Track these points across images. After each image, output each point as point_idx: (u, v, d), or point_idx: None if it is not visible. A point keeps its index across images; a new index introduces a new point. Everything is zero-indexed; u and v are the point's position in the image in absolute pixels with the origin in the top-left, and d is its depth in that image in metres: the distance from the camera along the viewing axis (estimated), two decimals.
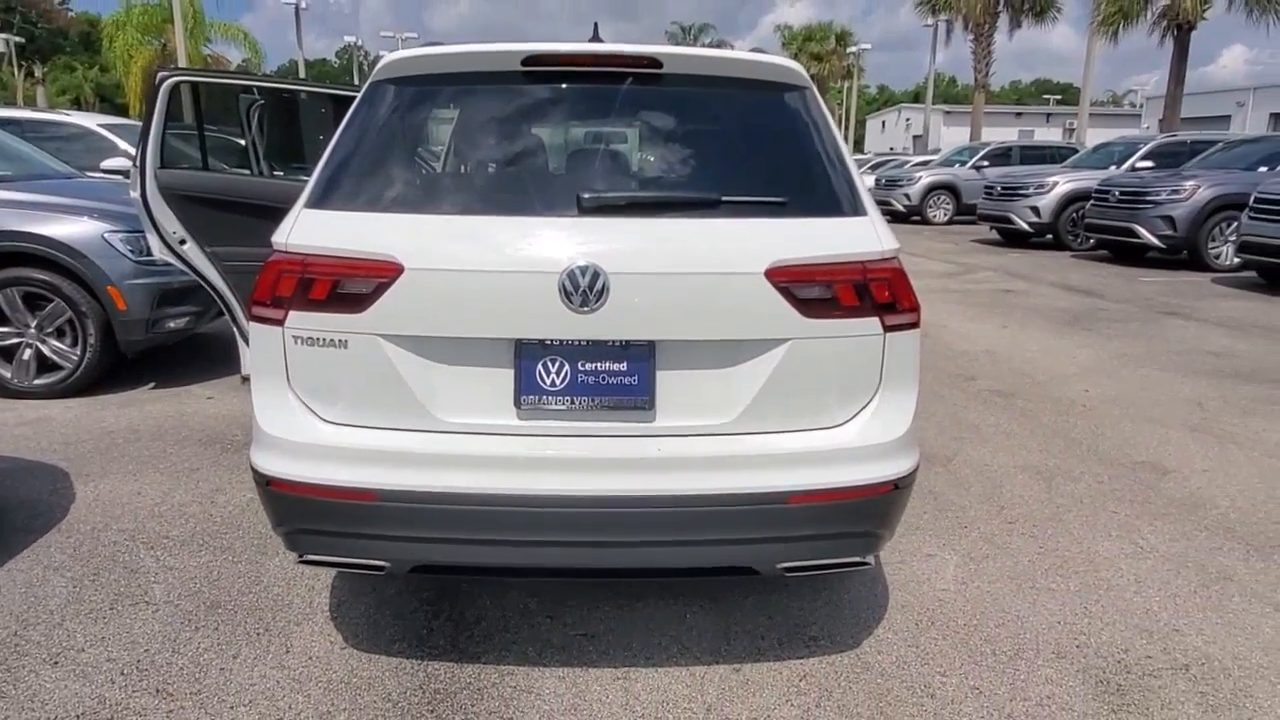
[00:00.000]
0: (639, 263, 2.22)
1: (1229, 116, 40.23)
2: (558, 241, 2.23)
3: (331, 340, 2.25)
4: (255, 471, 2.35)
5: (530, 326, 2.22)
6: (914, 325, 2.38)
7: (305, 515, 2.32)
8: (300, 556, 2.41)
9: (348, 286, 2.22)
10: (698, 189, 2.36)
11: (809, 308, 2.26)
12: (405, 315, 2.21)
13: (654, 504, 2.23)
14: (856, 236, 2.34)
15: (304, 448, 2.28)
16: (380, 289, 2.21)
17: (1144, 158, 14.67)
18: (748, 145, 2.52)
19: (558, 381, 2.26)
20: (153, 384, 5.80)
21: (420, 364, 2.25)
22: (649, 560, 2.37)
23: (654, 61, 2.41)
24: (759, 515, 2.27)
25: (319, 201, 2.35)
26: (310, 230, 2.29)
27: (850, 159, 2.52)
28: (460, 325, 2.22)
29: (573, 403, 2.26)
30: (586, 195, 2.25)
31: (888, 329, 2.32)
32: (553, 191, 2.41)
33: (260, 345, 2.32)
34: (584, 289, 2.18)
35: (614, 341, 2.26)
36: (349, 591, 3.05)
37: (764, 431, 2.32)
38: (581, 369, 2.26)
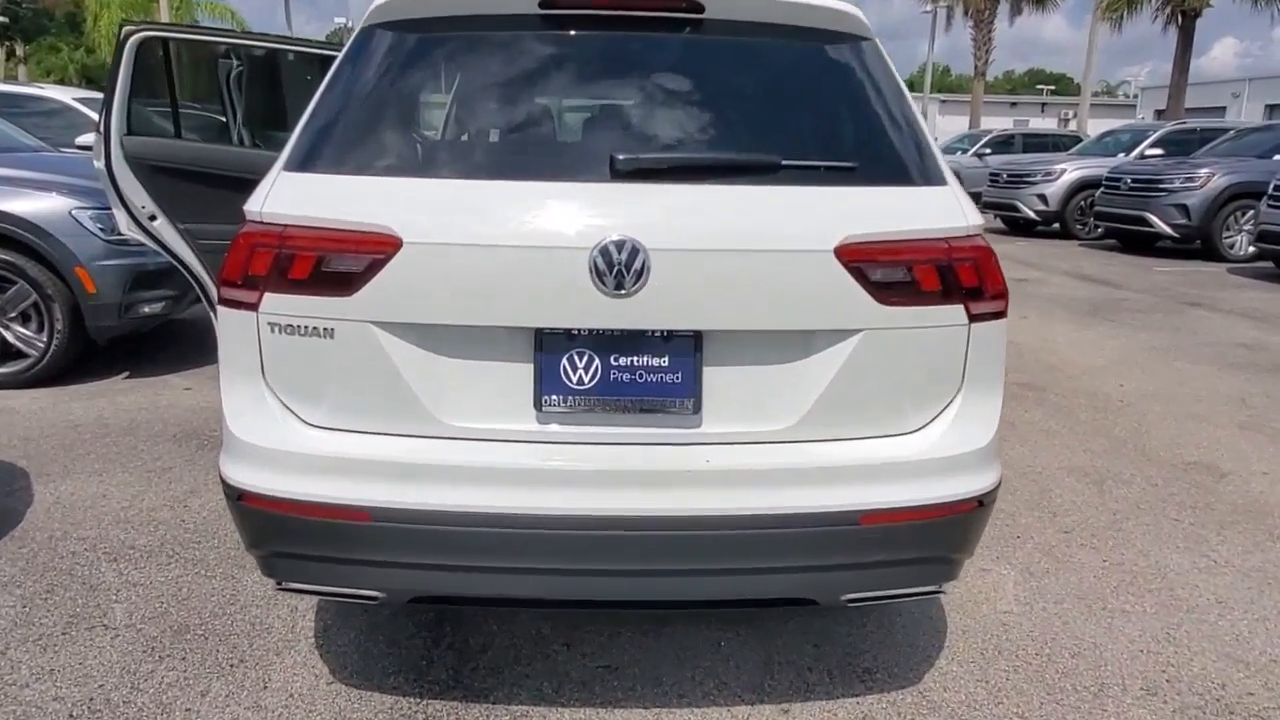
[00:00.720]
0: (685, 238, 1.85)
1: (1224, 108, 40.01)
2: (588, 211, 1.86)
3: (315, 328, 1.87)
4: (225, 484, 1.98)
5: (554, 313, 1.86)
6: (1001, 314, 2.03)
7: (284, 536, 1.95)
8: (279, 583, 2.04)
9: (334, 264, 1.85)
10: (753, 151, 1.99)
11: (885, 293, 1.90)
12: (403, 299, 1.84)
13: (702, 526, 1.87)
14: (938, 209, 1.98)
15: (283, 456, 1.91)
16: (373, 267, 1.83)
17: (1153, 145, 14.34)
18: (805, 102, 2.15)
19: (586, 379, 1.90)
20: (126, 373, 5.40)
21: (421, 357, 1.88)
22: (694, 592, 2.01)
23: (694, 4, 2.04)
24: (826, 539, 1.91)
25: (301, 164, 1.97)
26: (290, 197, 1.91)
27: (921, 120, 2.15)
28: (469, 311, 1.85)
29: (604, 405, 1.90)
30: (622, 157, 1.88)
31: (973, 318, 1.97)
32: (581, 153, 2.03)
33: (230, 334, 1.94)
34: (619, 268, 1.81)
35: (654, 332, 1.89)
36: (337, 614, 2.68)
37: (829, 439, 1.96)
38: (614, 364, 1.90)
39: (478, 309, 1.85)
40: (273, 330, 1.89)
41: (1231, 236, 11.73)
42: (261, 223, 1.90)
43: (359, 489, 1.87)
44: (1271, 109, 37.86)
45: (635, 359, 1.90)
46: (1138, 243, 13.02)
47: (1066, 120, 39.54)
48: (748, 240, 1.86)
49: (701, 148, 2.04)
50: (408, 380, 1.87)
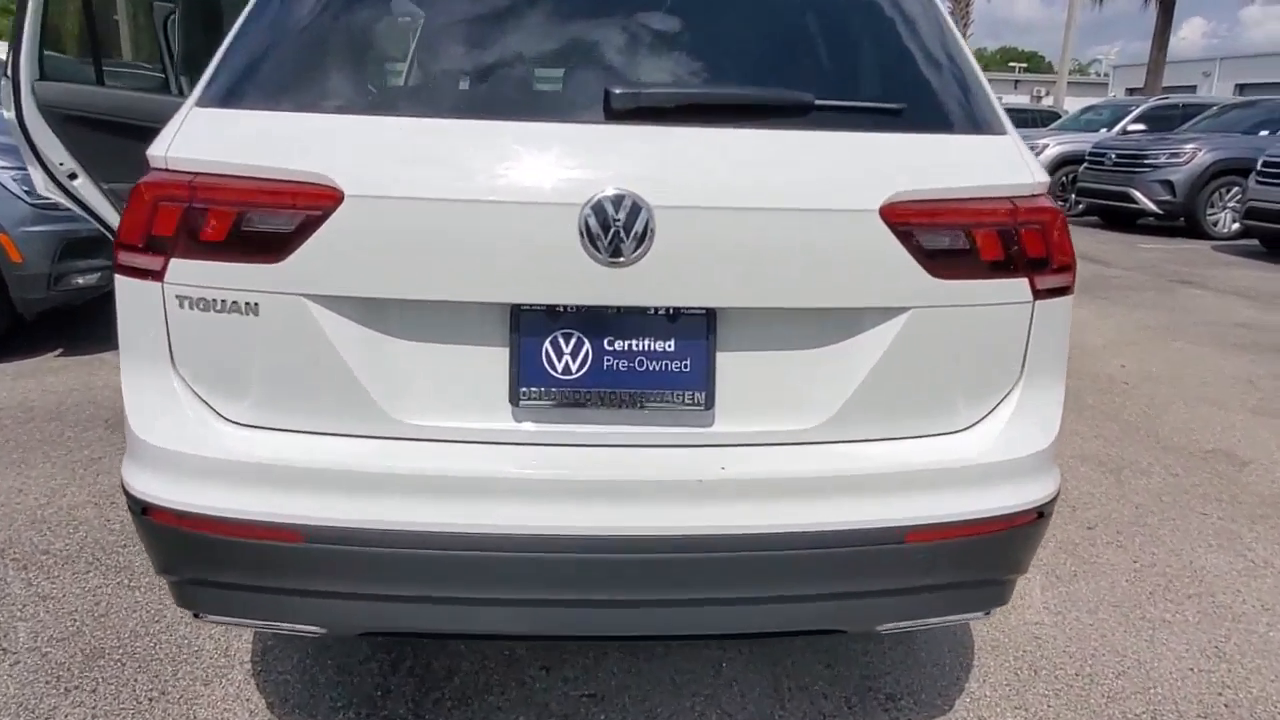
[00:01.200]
0: (696, 192, 1.49)
1: (1195, 86, 40.21)
2: (577, 159, 1.49)
3: (235, 303, 1.50)
4: (127, 494, 1.61)
5: (534, 286, 1.50)
6: (1067, 290, 1.70)
7: (200, 560, 1.58)
8: (197, 615, 1.68)
9: (258, 222, 1.47)
10: (781, 87, 1.63)
11: (938, 263, 1.56)
12: (345, 267, 1.47)
13: (714, 548, 1.53)
14: (999, 163, 1.64)
15: (196, 462, 1.53)
16: (307, 226, 1.46)
17: (1136, 120, 14.14)
18: (840, 31, 1.78)
19: (573, 367, 1.54)
20: (59, 351, 4.95)
21: (369, 340, 1.52)
22: (702, 625, 1.67)
23: None
24: (863, 561, 1.59)
25: (220, 97, 1.58)
26: (203, 138, 1.53)
27: (974, 60, 1.80)
28: (428, 283, 1.49)
29: (595, 399, 1.55)
30: (619, 91, 1.51)
31: (1038, 294, 1.63)
32: (569, 87, 1.65)
33: (130, 310, 1.56)
34: (616, 229, 1.45)
35: (658, 309, 1.54)
36: (278, 634, 2.32)
37: (867, 439, 1.62)
38: (609, 349, 1.54)
39: (439, 280, 1.48)
40: (182, 305, 1.51)
41: (1215, 213, 11.56)
42: (167, 170, 1.51)
43: (291, 503, 1.50)
44: (1242, 88, 38.05)
45: (634, 343, 1.55)
46: (1120, 219, 12.83)
47: (1039, 97, 39.49)
48: (774, 197, 1.51)
49: (717, 82, 1.67)
50: (352, 368, 1.51)
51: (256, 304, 1.49)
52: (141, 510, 1.58)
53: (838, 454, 1.60)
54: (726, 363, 1.57)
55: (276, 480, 1.51)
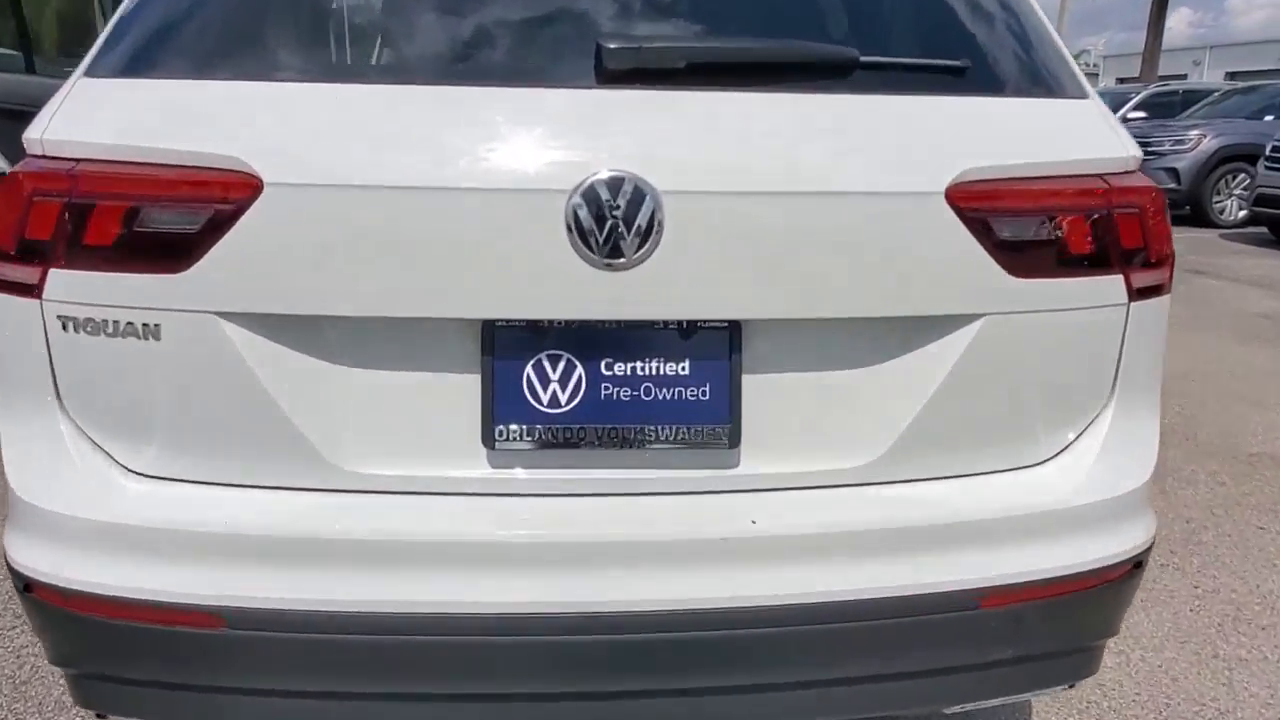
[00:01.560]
0: (714, 173, 1.18)
1: (1185, 75, 40.05)
2: (562, 133, 1.18)
3: (132, 325, 1.17)
4: (9, 567, 1.28)
5: (511, 296, 1.18)
6: (1164, 288, 1.39)
7: (99, 651, 1.26)
8: (100, 717, 1.36)
9: (156, 220, 1.15)
10: (818, 40, 1.32)
11: (1018, 257, 1.24)
12: (267, 276, 1.15)
13: (746, 623, 1.21)
14: (1086, 131, 1.33)
15: (90, 527, 1.21)
16: (218, 225, 1.14)
17: (1136, 108, 13.86)
18: None
19: (563, 397, 1.22)
20: None
21: (302, 368, 1.20)
22: (731, 719, 1.34)
23: None
24: (929, 633, 1.27)
25: (115, 64, 1.26)
26: (88, 115, 1.21)
27: (1039, 9, 1.49)
28: (377, 295, 1.17)
29: (591, 436, 1.23)
30: (614, 47, 1.19)
31: (1134, 294, 1.32)
32: (550, 42, 1.33)
33: (4, 336, 1.24)
34: (614, 223, 1.13)
35: (668, 323, 1.22)
36: None
37: (929, 477, 1.31)
38: (608, 374, 1.23)
39: (389, 291, 1.16)
40: (66, 328, 1.19)
41: (1221, 201, 11.29)
42: (44, 156, 1.19)
43: (210, 578, 1.18)
44: (1232, 76, 37.90)
45: (639, 365, 1.23)
46: None
47: None
48: (812, 178, 1.20)
49: (738, 35, 1.35)
50: (280, 404, 1.19)
51: (157, 325, 1.17)
52: (24, 587, 1.26)
53: (894, 499, 1.29)
54: (754, 388, 1.25)
55: (189, 548, 1.19)
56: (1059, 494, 1.33)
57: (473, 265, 1.16)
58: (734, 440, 1.24)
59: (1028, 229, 1.25)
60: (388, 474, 1.22)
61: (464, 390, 1.22)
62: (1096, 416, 1.38)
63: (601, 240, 1.14)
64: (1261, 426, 4.03)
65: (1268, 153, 9.63)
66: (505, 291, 1.17)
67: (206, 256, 1.14)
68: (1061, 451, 1.37)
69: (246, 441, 1.21)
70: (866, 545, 1.25)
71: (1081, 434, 1.38)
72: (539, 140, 1.17)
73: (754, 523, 1.22)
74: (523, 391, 1.22)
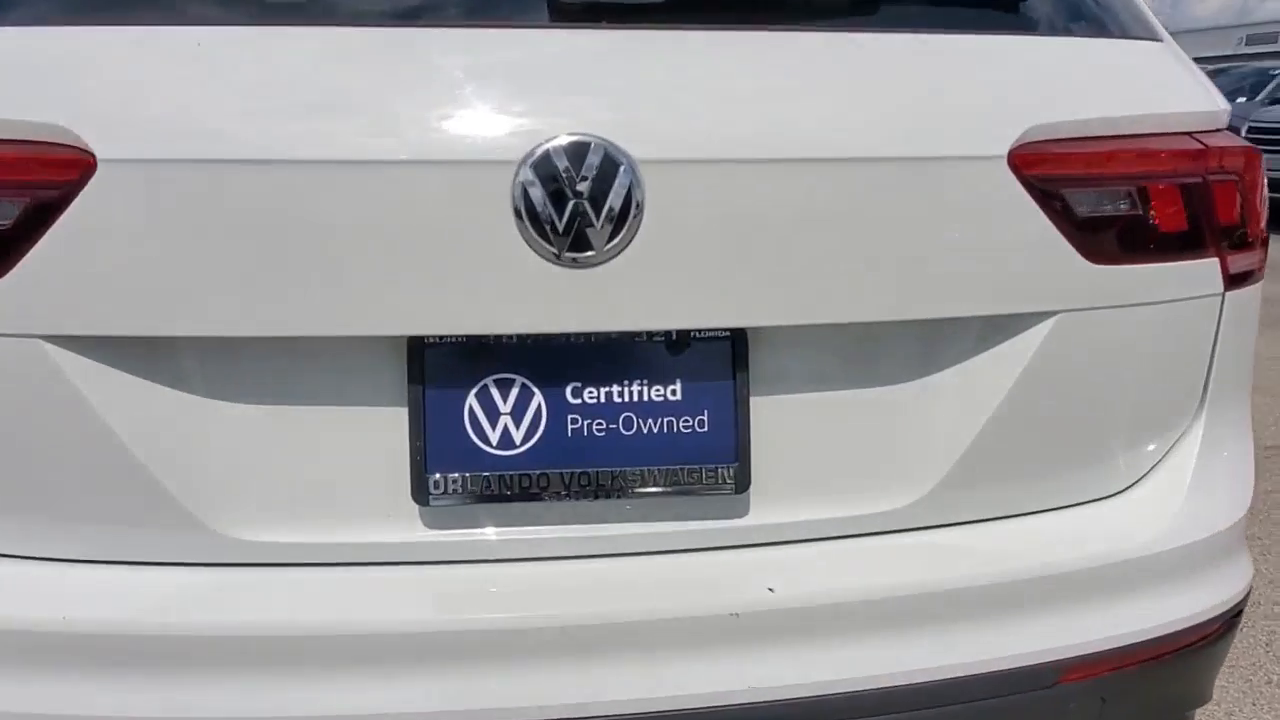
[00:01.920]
0: (710, 137, 0.89)
1: None
2: (507, 87, 0.89)
3: None
4: None
5: (445, 304, 0.89)
6: (1257, 272, 1.13)
7: None
8: None
9: None
10: None
11: (1095, 238, 0.97)
12: (109, 285, 0.85)
13: None
14: (1168, 80, 1.06)
15: None
16: (39, 217, 0.84)
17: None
18: None
19: (516, 435, 0.93)
20: None
21: (165, 406, 0.90)
22: None
23: None
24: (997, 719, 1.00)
25: None
26: None
27: None
28: (262, 308, 0.87)
29: (555, 485, 0.94)
30: None
31: (1229, 281, 1.06)
32: None
33: None
34: (578, 204, 0.85)
35: (653, 334, 0.94)
36: None
37: (986, 518, 1.04)
38: (575, 403, 0.94)
39: (279, 303, 0.87)
40: None
41: None
42: None
43: (44, 691, 0.88)
44: (1195, 61, 38.20)
45: (616, 390, 0.94)
46: None
47: None
48: (836, 141, 0.91)
49: None
50: (135, 452, 0.88)
51: None
52: None
53: (946, 549, 1.01)
54: (766, 414, 0.97)
55: (17, 650, 0.89)
56: (1146, 534, 1.06)
57: (391, 265, 0.87)
58: (742, 483, 0.96)
59: (1110, 202, 0.98)
60: (286, 542, 0.92)
61: (386, 429, 0.93)
62: (1182, 435, 1.12)
63: (561, 227, 0.85)
64: (1273, 418, 3.83)
65: (1243, 134, 9.47)
66: (436, 299, 0.88)
67: (24, 262, 0.84)
68: (1140, 481, 1.11)
69: (94, 503, 0.90)
70: (915, 612, 0.97)
71: (1164, 457, 1.11)
72: (475, 97, 0.87)
73: (771, 590, 0.94)
74: (464, 429, 0.93)
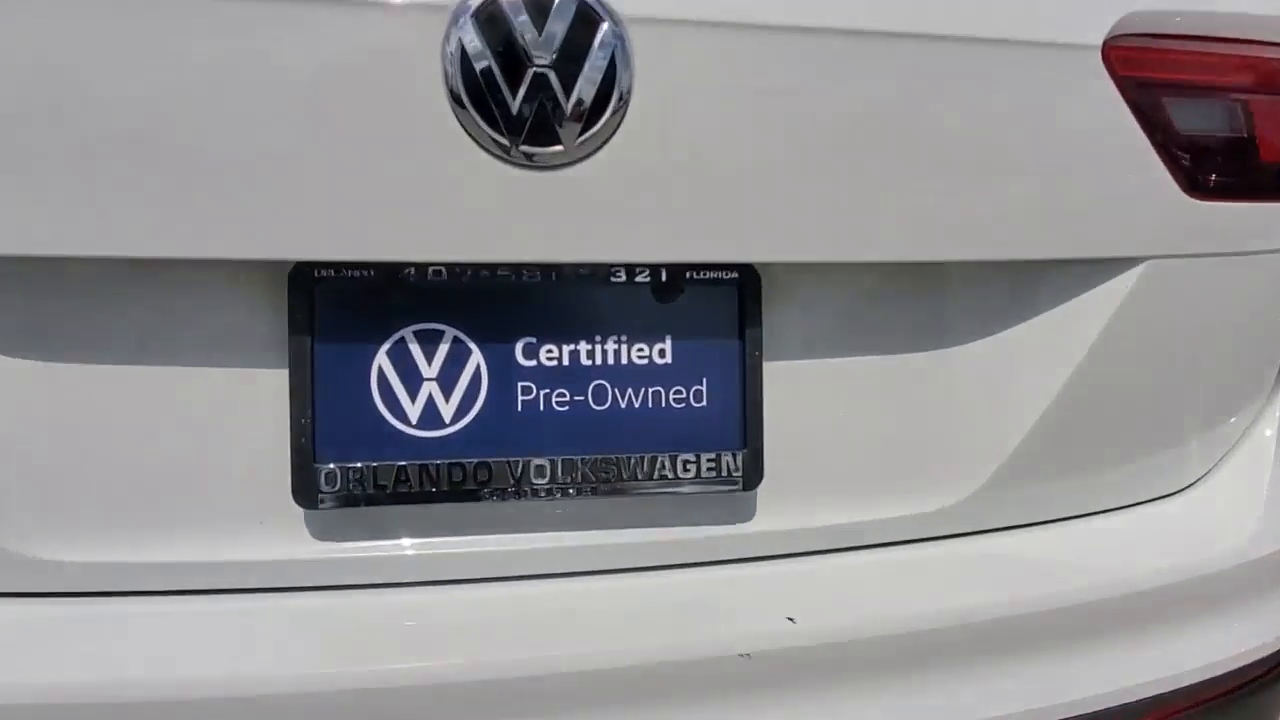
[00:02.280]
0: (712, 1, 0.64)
1: None
2: None
3: None
4: None
5: (344, 219, 0.61)
6: None
7: None
8: None
9: None
10: None
11: (1202, 165, 0.77)
12: None
13: None
14: None
15: None
16: None
17: None
18: None
19: (446, 410, 0.67)
20: None
21: None
22: None
23: None
24: None
25: None
26: None
27: None
28: (82, 218, 0.58)
29: (501, 478, 0.68)
30: None
31: None
32: None
33: None
34: (541, 76, 0.59)
35: (633, 269, 0.69)
36: None
37: (1048, 520, 0.83)
38: (527, 365, 0.68)
39: (97, 206, 0.58)
40: None
41: None
42: None
43: None
44: None
45: (584, 348, 0.69)
46: None
47: None
48: (882, 14, 0.68)
49: None
50: None
51: None
52: None
53: (1002, 560, 0.79)
54: (782, 385, 0.73)
55: None
56: (1231, 542, 0.86)
57: (266, 159, 0.59)
58: (751, 477, 0.71)
59: (1223, 121, 0.77)
60: (106, 561, 0.64)
61: (258, 400, 0.65)
62: (1259, 416, 0.92)
63: (515, 109, 0.59)
64: None
65: None
66: (330, 210, 0.61)
67: None
68: (1211, 471, 0.91)
69: None
70: (968, 642, 0.74)
71: (1239, 442, 0.92)
72: None
73: (792, 621, 0.70)
74: (369, 399, 0.66)
